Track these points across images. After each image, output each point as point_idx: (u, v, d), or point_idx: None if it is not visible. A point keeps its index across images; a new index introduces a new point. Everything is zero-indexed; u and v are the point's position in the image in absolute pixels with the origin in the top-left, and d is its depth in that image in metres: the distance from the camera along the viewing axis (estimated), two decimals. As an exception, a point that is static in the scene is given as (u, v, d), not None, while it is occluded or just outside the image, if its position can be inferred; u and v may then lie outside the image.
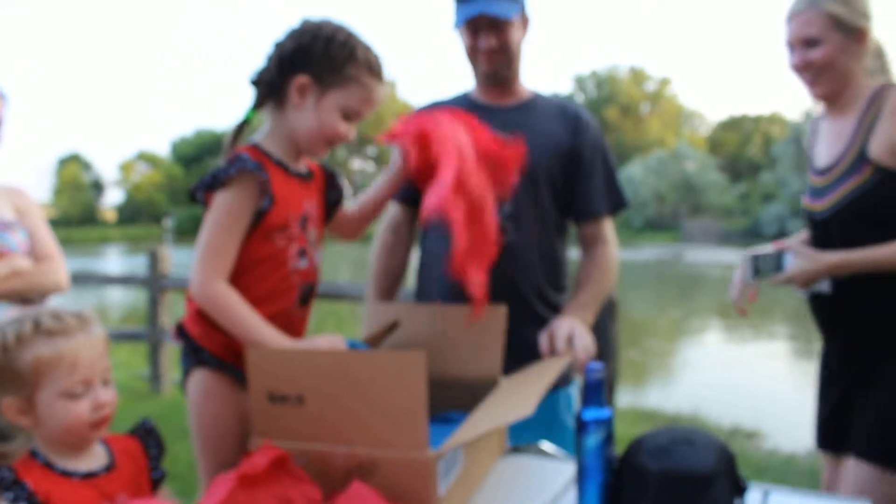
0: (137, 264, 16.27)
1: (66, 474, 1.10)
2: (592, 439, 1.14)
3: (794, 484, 1.85)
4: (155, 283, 5.65)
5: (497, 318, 1.53)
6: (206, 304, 1.29)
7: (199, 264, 1.29)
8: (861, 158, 1.75)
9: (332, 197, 1.53)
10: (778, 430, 5.09)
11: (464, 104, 1.84)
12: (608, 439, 1.14)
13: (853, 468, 1.75)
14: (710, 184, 44.21)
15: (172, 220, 49.18)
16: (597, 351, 1.60)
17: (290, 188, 1.38)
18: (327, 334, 1.33)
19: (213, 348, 1.36)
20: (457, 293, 1.71)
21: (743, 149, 53.04)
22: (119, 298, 13.80)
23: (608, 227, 1.92)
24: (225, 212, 1.30)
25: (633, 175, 43.01)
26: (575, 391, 1.92)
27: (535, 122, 1.84)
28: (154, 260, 5.65)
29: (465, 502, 1.24)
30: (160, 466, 1.22)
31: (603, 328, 3.45)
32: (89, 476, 1.11)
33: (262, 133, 1.41)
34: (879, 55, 1.87)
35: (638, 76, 59.50)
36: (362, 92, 1.37)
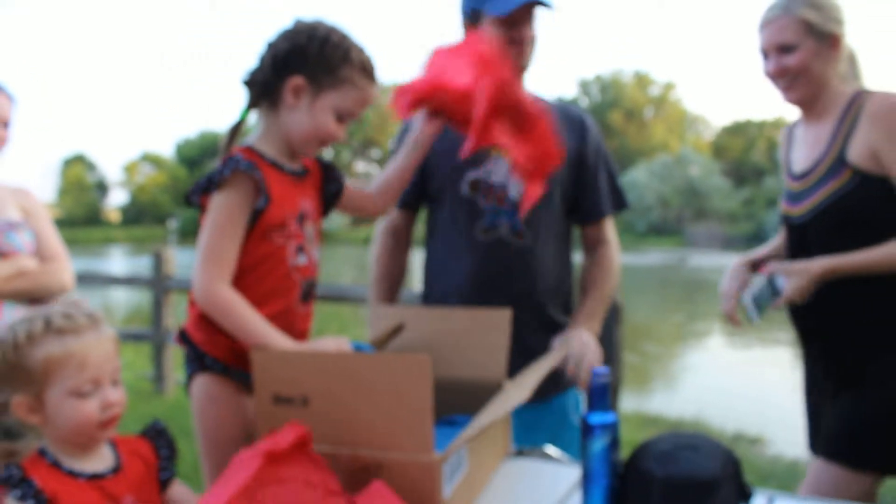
0: (141, 265, 16.31)
1: (73, 475, 1.09)
2: (598, 443, 1.14)
3: (797, 490, 1.85)
4: (159, 284, 5.66)
5: (502, 321, 1.53)
6: (210, 308, 1.29)
7: (200, 268, 1.28)
8: (840, 162, 1.77)
9: (331, 189, 1.52)
10: (781, 436, 5.06)
11: None
12: (613, 443, 1.14)
13: (822, 469, 1.75)
14: (714, 188, 44.16)
15: (176, 222, 49.20)
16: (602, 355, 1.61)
17: (286, 186, 1.38)
18: (333, 336, 1.33)
19: (217, 353, 1.35)
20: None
21: (747, 154, 52.95)
22: (123, 299, 13.81)
23: (610, 227, 1.94)
24: (222, 213, 1.30)
25: (637, 179, 42.99)
26: (583, 393, 1.93)
27: None
28: (158, 261, 5.65)
29: (469, 505, 1.24)
30: (171, 467, 1.22)
31: (607, 332, 3.45)
32: (95, 477, 1.11)
33: (256, 134, 1.42)
34: (852, 61, 1.89)
35: (642, 80, 59.53)
36: (356, 93, 1.38)
